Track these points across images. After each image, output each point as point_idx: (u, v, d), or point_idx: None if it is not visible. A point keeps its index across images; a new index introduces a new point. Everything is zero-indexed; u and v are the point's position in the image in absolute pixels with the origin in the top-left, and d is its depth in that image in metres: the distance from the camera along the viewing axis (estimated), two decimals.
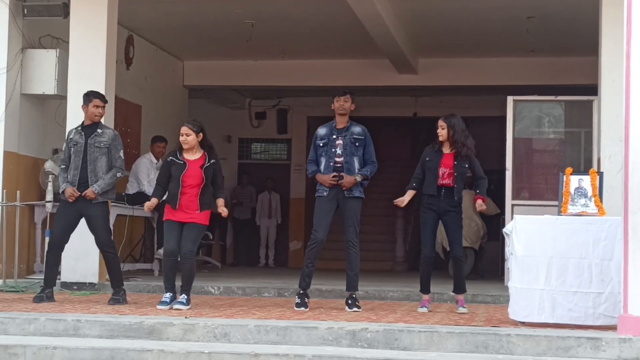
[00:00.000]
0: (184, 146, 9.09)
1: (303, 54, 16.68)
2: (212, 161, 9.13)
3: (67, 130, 11.16)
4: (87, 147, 9.44)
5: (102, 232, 9.45)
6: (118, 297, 9.37)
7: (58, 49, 11.84)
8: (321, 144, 9.35)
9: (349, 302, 9.18)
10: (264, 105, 20.63)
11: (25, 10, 11.63)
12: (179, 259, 9.04)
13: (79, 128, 9.57)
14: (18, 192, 11.24)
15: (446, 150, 9.23)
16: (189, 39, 15.78)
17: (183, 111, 17.56)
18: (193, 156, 9.12)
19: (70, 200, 9.34)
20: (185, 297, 8.93)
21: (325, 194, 9.26)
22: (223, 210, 9.16)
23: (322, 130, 9.43)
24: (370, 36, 13.97)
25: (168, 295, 9.00)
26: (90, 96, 9.61)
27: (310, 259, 9.27)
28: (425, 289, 9.32)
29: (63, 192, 9.42)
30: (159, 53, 16.36)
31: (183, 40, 15.93)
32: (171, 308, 8.80)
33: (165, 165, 9.22)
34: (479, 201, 9.25)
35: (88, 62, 11.37)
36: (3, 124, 11.43)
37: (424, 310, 9.18)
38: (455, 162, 9.15)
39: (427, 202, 9.22)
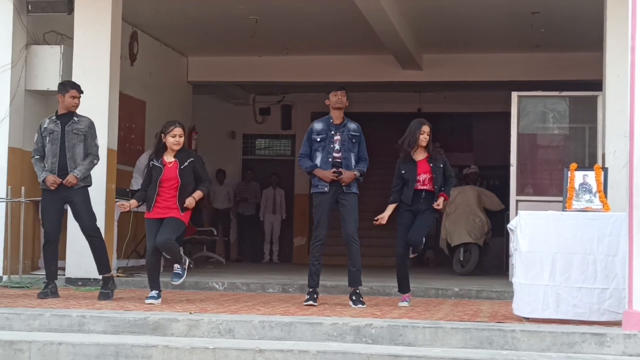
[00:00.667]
0: (176, 147, 9.14)
1: (307, 50, 16.67)
2: (190, 160, 9.20)
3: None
4: (64, 135, 9.53)
5: (87, 217, 9.53)
6: (107, 291, 9.41)
7: (62, 45, 11.85)
8: (318, 139, 9.33)
9: (353, 298, 9.18)
10: (268, 101, 20.62)
11: (30, 6, 11.63)
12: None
13: (53, 117, 9.65)
14: (22, 188, 11.25)
15: (418, 157, 9.25)
16: (193, 34, 15.77)
17: (187, 107, 17.56)
18: (171, 158, 9.17)
19: (52, 188, 9.41)
20: (179, 266, 9.13)
21: (326, 189, 9.26)
22: (188, 202, 9.06)
23: (318, 125, 9.41)
24: (375, 32, 13.96)
25: (154, 292, 9.10)
26: (67, 86, 9.72)
27: (315, 257, 9.28)
28: (404, 289, 9.38)
29: (44, 181, 9.45)
30: (163, 49, 16.36)
31: (187, 36, 15.93)
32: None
33: (149, 171, 9.28)
34: (440, 199, 9.24)
35: (92, 58, 11.38)
36: (7, 120, 11.45)
37: (405, 304, 9.22)
38: (432, 165, 9.21)
39: (406, 205, 9.27)
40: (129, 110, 14.06)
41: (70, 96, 9.61)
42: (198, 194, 9.17)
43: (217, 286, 11.11)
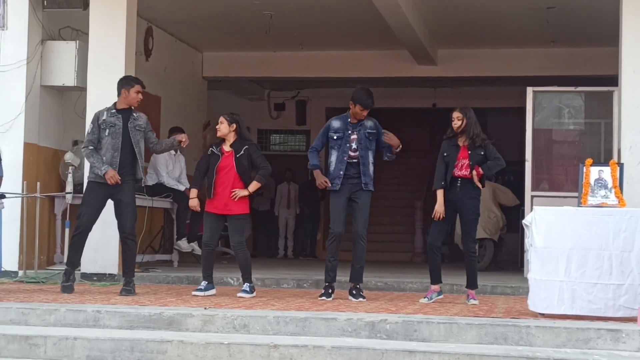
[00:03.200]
0: (218, 133, 9.57)
1: (322, 45, 16.67)
2: (245, 147, 9.49)
3: (88, 120, 11.20)
4: (127, 130, 9.45)
5: (130, 219, 9.46)
6: (130, 288, 9.38)
7: (78, 41, 11.87)
8: (335, 137, 9.36)
9: (354, 292, 9.28)
10: (283, 97, 20.65)
11: (45, 2, 11.65)
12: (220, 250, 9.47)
13: (113, 111, 9.52)
14: (38, 183, 11.29)
15: (462, 142, 9.19)
16: (208, 30, 15.79)
17: (202, 102, 17.58)
18: (228, 147, 9.49)
19: (110, 182, 9.26)
20: (248, 284, 9.47)
21: (337, 188, 9.29)
22: (238, 193, 9.36)
23: (336, 123, 9.42)
24: (389, 27, 13.94)
25: (204, 283, 9.51)
26: (132, 81, 9.66)
27: (331, 254, 9.32)
28: (435, 279, 9.26)
29: (104, 174, 9.27)
30: (178, 44, 16.38)
31: (202, 32, 15.95)
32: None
33: (205, 157, 9.64)
34: (473, 172, 9.04)
35: (108, 53, 11.39)
36: (23, 116, 11.48)
37: (425, 300, 9.12)
38: (470, 152, 9.13)
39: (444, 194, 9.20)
40: (144, 106, 13.95)
41: (135, 91, 9.55)
42: (253, 186, 9.46)
43: (232, 281, 11.13)
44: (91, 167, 9.47)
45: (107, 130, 9.42)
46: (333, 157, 9.35)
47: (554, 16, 13.83)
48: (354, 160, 9.32)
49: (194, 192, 9.61)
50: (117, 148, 9.39)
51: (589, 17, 13.90)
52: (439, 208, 9.08)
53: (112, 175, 9.28)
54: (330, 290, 9.25)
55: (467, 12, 14.04)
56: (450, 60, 16.80)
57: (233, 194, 9.35)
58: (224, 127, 9.50)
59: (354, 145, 9.32)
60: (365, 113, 9.37)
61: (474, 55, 16.63)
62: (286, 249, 19.62)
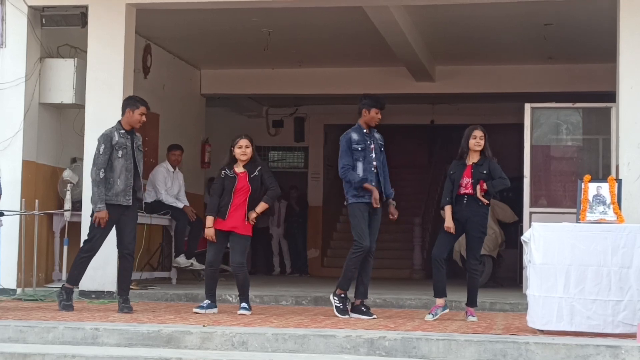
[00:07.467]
0: (243, 158, 9.44)
1: (320, 62, 16.69)
2: (259, 168, 9.52)
3: (86, 138, 11.21)
4: (134, 151, 9.47)
5: (133, 237, 9.54)
6: (129, 305, 9.39)
7: (76, 58, 11.89)
8: (359, 149, 9.35)
9: (363, 309, 9.26)
10: (281, 114, 20.65)
11: (44, 20, 11.68)
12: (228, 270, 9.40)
13: (123, 132, 9.47)
14: (37, 201, 11.27)
15: (469, 161, 9.18)
16: (206, 47, 15.81)
17: (200, 120, 17.59)
18: (241, 169, 9.48)
19: (97, 223, 9.24)
20: (245, 304, 9.45)
21: (369, 199, 9.29)
22: (251, 219, 9.49)
23: (355, 135, 9.41)
24: (388, 44, 13.98)
25: (206, 302, 9.53)
26: (137, 102, 9.57)
27: (356, 266, 9.27)
28: (439, 293, 9.18)
29: (98, 211, 9.22)
30: (177, 62, 16.40)
31: (200, 49, 15.97)
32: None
33: (220, 181, 9.52)
34: (477, 187, 9.04)
35: (106, 71, 11.41)
36: (22, 133, 11.48)
37: (430, 317, 9.06)
38: (473, 170, 9.11)
39: (451, 211, 9.18)
40: (143, 123, 14.05)
41: (139, 113, 9.48)
42: (261, 207, 9.53)
43: (231, 299, 11.11)
44: (96, 193, 9.36)
45: (120, 152, 9.38)
46: (359, 169, 9.33)
47: (551, 33, 13.86)
48: (375, 171, 9.35)
49: (210, 220, 9.43)
50: (130, 170, 9.40)
51: (586, 34, 13.94)
52: (449, 223, 9.11)
53: (103, 217, 9.25)
54: (347, 304, 9.29)
55: (465, 29, 14.07)
56: (448, 77, 16.83)
57: (247, 215, 9.41)
58: (250, 151, 9.46)
59: (374, 155, 9.35)
60: (380, 115, 9.42)
61: (472, 71, 16.66)
62: (282, 266, 19.53)
